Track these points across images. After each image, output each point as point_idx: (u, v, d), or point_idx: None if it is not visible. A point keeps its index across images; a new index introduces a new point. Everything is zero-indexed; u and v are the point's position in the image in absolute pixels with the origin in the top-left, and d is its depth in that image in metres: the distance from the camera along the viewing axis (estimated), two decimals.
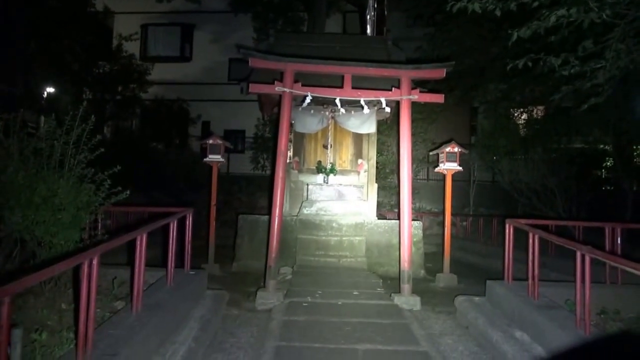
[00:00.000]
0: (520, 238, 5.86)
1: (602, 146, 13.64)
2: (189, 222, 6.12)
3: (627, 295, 5.33)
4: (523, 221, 5.99)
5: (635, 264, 3.77)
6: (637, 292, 5.45)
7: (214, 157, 8.79)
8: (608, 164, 14.29)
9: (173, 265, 5.34)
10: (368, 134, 10.15)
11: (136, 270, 4.23)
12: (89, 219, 5.26)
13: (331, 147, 10.46)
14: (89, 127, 5.02)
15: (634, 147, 13.21)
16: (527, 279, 5.32)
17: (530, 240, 5.26)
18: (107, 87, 15.99)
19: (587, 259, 4.16)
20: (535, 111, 13.94)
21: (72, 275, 4.74)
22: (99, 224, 6.00)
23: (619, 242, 6.41)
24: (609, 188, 14.47)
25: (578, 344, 3.90)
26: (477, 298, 6.22)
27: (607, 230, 6.49)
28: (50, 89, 15.59)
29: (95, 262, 3.33)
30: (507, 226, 6.06)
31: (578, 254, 4.26)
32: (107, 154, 5.32)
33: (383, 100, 7.23)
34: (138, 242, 4.28)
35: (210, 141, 8.85)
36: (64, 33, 14.45)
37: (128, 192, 5.23)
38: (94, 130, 5.21)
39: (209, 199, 9.00)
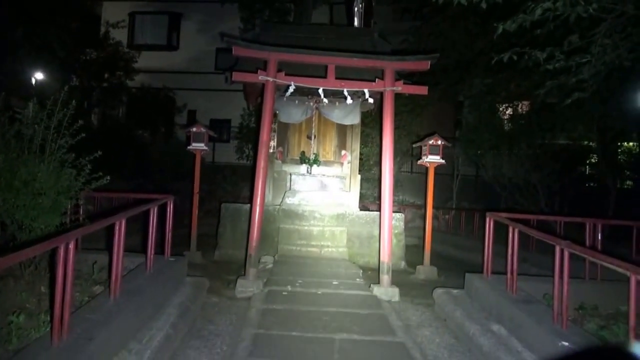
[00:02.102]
0: (503, 232, 5.91)
1: (586, 142, 13.79)
2: (170, 209, 6.11)
3: (606, 291, 5.33)
4: (504, 215, 6.01)
5: (613, 259, 3.77)
6: (616, 288, 5.40)
7: (197, 145, 8.75)
8: (592, 160, 14.47)
9: (153, 251, 5.33)
10: (352, 126, 10.17)
11: (115, 255, 4.22)
12: (69, 203, 5.24)
13: (315, 137, 10.46)
14: (70, 112, 4.97)
15: (618, 143, 13.37)
16: (506, 273, 5.36)
17: (510, 234, 5.28)
18: (94, 74, 15.82)
19: (566, 253, 4.16)
20: (520, 106, 14.04)
21: (51, 259, 4.72)
22: (80, 209, 5.96)
23: (599, 238, 6.43)
24: (592, 185, 14.63)
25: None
26: (455, 291, 6.26)
27: (587, 226, 6.46)
28: (38, 76, 15.38)
29: (71, 246, 3.31)
30: (487, 220, 6.09)
31: (557, 249, 4.26)
32: (94, 141, 5.28)
33: (366, 91, 7.23)
34: (117, 228, 4.26)
35: (194, 129, 8.80)
36: (51, 20, 14.21)
37: (108, 177, 5.20)
38: (81, 117, 5.18)
39: (193, 187, 8.97)
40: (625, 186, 14.49)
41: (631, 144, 13.86)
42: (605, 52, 6.27)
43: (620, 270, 3.65)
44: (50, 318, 3.41)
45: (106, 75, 16.04)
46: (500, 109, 14.33)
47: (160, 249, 5.87)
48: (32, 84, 15.06)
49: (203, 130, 8.83)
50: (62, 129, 4.95)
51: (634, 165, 14.46)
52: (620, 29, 6.20)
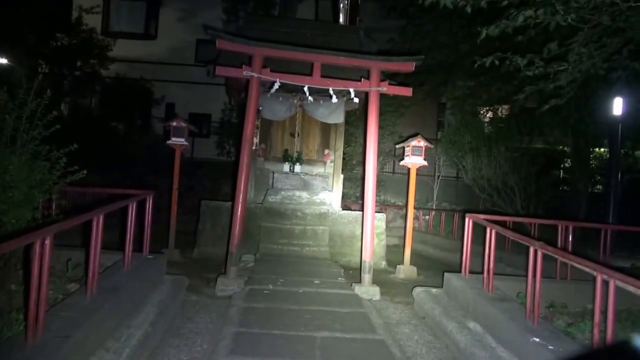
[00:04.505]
0: (481, 233, 6.00)
1: (561, 147, 14.09)
2: (149, 205, 5.98)
3: (575, 290, 5.51)
4: (482, 216, 6.14)
5: (582, 260, 3.94)
6: (585, 287, 5.60)
7: (177, 140, 8.59)
8: (566, 164, 14.79)
9: (131, 248, 5.21)
10: (336, 125, 10.14)
11: (92, 252, 4.11)
12: (42, 198, 5.06)
13: (298, 135, 10.40)
14: (44, 101, 4.79)
15: (591, 149, 13.72)
16: (483, 273, 5.45)
17: (487, 235, 5.39)
18: (65, 61, 15.20)
19: (539, 254, 4.32)
20: (500, 110, 14.24)
21: (22, 256, 4.56)
22: (53, 204, 5.78)
23: (570, 239, 6.66)
24: (565, 188, 14.96)
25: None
26: (434, 290, 6.36)
27: (560, 228, 6.71)
28: (2, 60, 14.69)
29: (48, 241, 3.21)
30: (466, 221, 6.19)
31: (531, 250, 4.42)
32: (65, 132, 5.09)
33: (352, 90, 7.21)
34: (94, 224, 4.15)
35: (174, 123, 8.64)
36: (18, 1, 13.62)
37: (85, 171, 5.03)
38: (51, 106, 4.97)
39: (171, 183, 8.81)
40: (596, 190, 14.84)
41: (602, 149, 14.19)
42: (582, 60, 6.46)
43: (587, 270, 3.81)
44: (25, 316, 3.30)
45: (79, 63, 15.38)
46: (482, 111, 14.49)
47: (138, 245, 5.74)
48: None
49: (183, 124, 8.68)
50: (35, 119, 4.78)
51: (604, 170, 14.83)
52: (596, 39, 6.38)
